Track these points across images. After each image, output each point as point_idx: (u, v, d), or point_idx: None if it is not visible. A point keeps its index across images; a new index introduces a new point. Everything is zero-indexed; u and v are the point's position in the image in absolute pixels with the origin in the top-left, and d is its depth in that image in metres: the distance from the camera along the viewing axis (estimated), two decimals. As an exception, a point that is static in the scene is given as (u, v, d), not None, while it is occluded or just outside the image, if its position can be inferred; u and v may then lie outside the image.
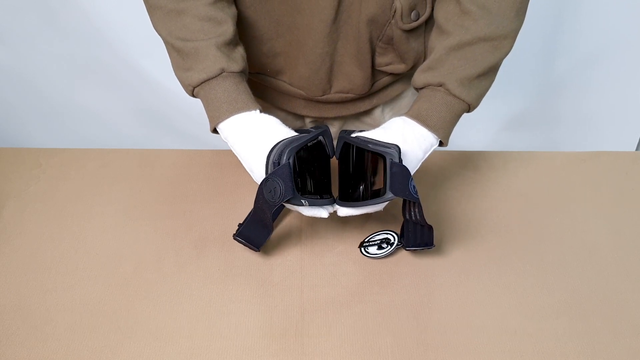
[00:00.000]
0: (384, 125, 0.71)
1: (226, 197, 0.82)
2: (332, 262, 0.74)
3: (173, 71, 0.71)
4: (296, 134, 0.67)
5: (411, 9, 0.73)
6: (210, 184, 0.85)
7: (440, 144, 0.72)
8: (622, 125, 1.67)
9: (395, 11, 0.73)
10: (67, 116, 1.66)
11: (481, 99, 0.72)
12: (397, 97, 0.92)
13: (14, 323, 0.65)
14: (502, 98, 1.64)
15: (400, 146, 0.64)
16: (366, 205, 0.66)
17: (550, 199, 0.85)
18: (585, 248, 0.77)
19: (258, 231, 0.71)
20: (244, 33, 0.78)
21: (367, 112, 0.92)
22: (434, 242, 0.71)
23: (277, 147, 0.63)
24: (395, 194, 0.62)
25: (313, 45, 0.76)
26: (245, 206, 0.80)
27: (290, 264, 0.73)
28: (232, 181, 0.85)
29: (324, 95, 0.84)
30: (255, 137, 0.66)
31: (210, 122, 0.69)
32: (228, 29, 0.68)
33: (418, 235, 0.71)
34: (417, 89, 0.73)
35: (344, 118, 0.93)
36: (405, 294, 0.69)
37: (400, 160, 0.63)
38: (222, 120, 0.67)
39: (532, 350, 0.63)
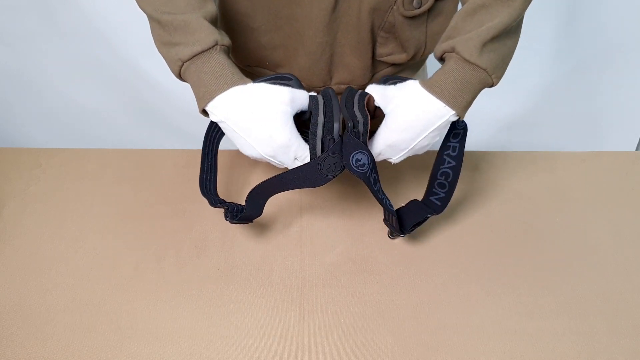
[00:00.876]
0: (394, 88, 0.66)
1: (226, 197, 0.82)
2: (332, 262, 0.74)
3: (158, 50, 0.67)
4: (291, 89, 0.65)
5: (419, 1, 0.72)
6: (210, 184, 0.85)
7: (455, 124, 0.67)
8: (622, 125, 1.67)
9: None
10: (67, 116, 1.66)
11: (502, 68, 0.65)
12: None
13: (14, 323, 0.65)
14: (502, 98, 1.64)
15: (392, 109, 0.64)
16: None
17: (550, 199, 0.85)
18: (585, 248, 0.77)
19: (255, 208, 0.71)
20: (241, 25, 0.77)
21: None
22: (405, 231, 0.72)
23: (317, 119, 0.63)
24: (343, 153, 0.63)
25: (312, 35, 0.76)
26: (245, 206, 0.81)
27: (290, 264, 0.73)
28: (232, 181, 0.85)
29: (324, 86, 0.84)
30: (267, 104, 0.62)
31: (203, 98, 0.64)
32: (212, 8, 0.66)
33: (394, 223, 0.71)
34: (439, 62, 0.68)
35: None
36: (405, 294, 0.69)
37: (357, 134, 0.63)
38: (220, 92, 0.62)
39: (532, 350, 0.63)
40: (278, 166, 0.65)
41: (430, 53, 0.85)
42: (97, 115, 1.65)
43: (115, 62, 1.50)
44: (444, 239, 0.77)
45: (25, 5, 1.39)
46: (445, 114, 0.63)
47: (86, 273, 0.71)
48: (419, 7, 0.73)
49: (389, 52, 0.80)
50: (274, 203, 0.81)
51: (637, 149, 1.69)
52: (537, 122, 1.70)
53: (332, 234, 0.78)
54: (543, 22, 1.44)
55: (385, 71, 0.85)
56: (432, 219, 0.79)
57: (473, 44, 0.62)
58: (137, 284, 0.70)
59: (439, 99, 0.63)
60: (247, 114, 0.62)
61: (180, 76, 0.66)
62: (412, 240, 0.77)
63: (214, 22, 0.66)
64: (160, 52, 0.67)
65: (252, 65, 0.85)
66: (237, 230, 0.77)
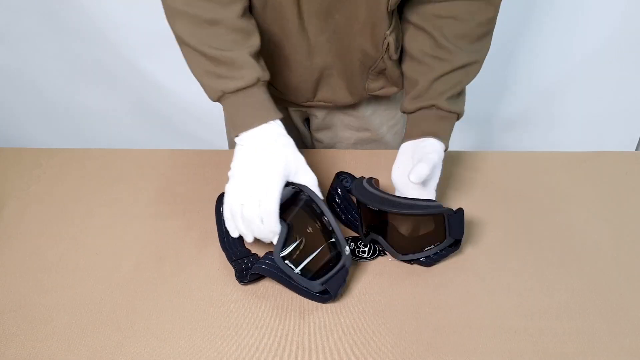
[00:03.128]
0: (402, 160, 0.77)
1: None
2: (332, 262, 0.74)
3: (194, 75, 0.72)
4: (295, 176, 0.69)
5: (399, 42, 0.79)
6: (210, 184, 0.85)
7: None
8: (622, 125, 1.67)
9: (388, 46, 0.77)
10: (67, 116, 1.66)
11: (464, 107, 0.80)
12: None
13: (14, 323, 0.65)
14: (502, 98, 1.64)
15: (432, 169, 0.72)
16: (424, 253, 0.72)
17: (550, 199, 0.85)
18: (585, 248, 0.77)
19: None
20: None
21: (352, 106, 0.94)
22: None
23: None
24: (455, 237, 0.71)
25: (300, 60, 0.81)
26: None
27: (290, 264, 0.73)
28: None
29: (307, 101, 0.90)
30: (273, 164, 0.67)
31: (240, 126, 0.70)
32: (256, 40, 0.71)
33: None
34: (408, 113, 0.80)
35: (328, 108, 0.96)
36: (405, 294, 0.69)
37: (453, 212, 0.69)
38: (255, 126, 0.69)
39: (532, 350, 0.63)
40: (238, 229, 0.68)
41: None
42: (98, 115, 1.65)
43: (115, 62, 1.50)
44: (444, 239, 0.77)
45: (25, 5, 1.39)
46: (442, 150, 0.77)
47: (86, 273, 0.71)
48: (399, 47, 0.81)
49: (380, 86, 0.87)
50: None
51: (637, 149, 1.70)
52: (537, 122, 1.70)
53: (332, 234, 0.78)
54: (543, 22, 1.44)
55: (374, 93, 0.90)
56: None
57: (448, 102, 0.76)
58: (137, 284, 0.70)
59: (442, 142, 0.77)
60: (256, 158, 0.68)
61: (215, 100, 0.72)
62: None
63: (257, 55, 0.71)
64: (198, 78, 0.72)
65: None
66: (237, 230, 0.77)
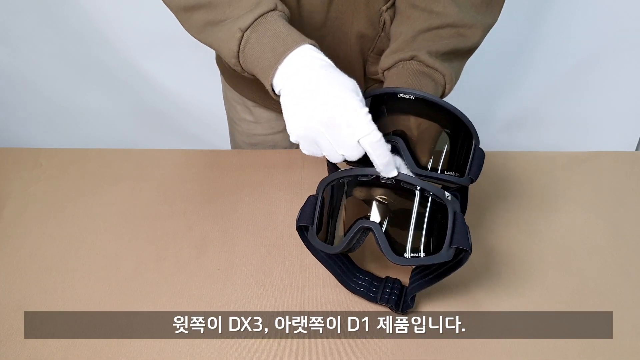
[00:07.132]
0: None
1: (226, 197, 0.82)
2: (332, 262, 0.74)
3: (199, 37, 0.63)
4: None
5: None
6: (210, 184, 0.85)
7: None
8: (622, 125, 1.67)
9: (384, 23, 0.74)
10: (67, 116, 1.66)
11: (454, 79, 0.67)
12: None
13: (14, 323, 0.65)
14: (502, 98, 1.64)
15: None
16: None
17: (550, 199, 0.85)
18: (585, 248, 0.77)
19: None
20: None
21: None
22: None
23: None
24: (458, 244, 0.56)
25: None
26: (245, 206, 0.81)
27: (290, 264, 0.73)
28: (232, 181, 0.85)
29: None
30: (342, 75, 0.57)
31: (269, 69, 0.57)
32: None
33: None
34: (385, 71, 0.68)
35: None
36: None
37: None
38: (290, 52, 0.56)
39: (532, 350, 0.63)
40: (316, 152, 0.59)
41: None
42: (97, 116, 1.65)
43: (115, 62, 1.50)
44: (444, 239, 0.77)
45: (25, 5, 1.39)
46: None
47: (86, 273, 0.71)
48: None
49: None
50: (274, 202, 0.81)
51: (637, 149, 1.69)
52: (537, 122, 1.70)
53: (332, 234, 0.78)
54: (542, 22, 1.44)
55: (375, 86, 0.87)
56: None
57: (432, 55, 0.64)
58: (137, 284, 0.70)
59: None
60: (321, 72, 0.56)
61: (238, 56, 0.60)
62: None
63: None
64: (204, 39, 0.63)
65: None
66: (237, 230, 0.77)
